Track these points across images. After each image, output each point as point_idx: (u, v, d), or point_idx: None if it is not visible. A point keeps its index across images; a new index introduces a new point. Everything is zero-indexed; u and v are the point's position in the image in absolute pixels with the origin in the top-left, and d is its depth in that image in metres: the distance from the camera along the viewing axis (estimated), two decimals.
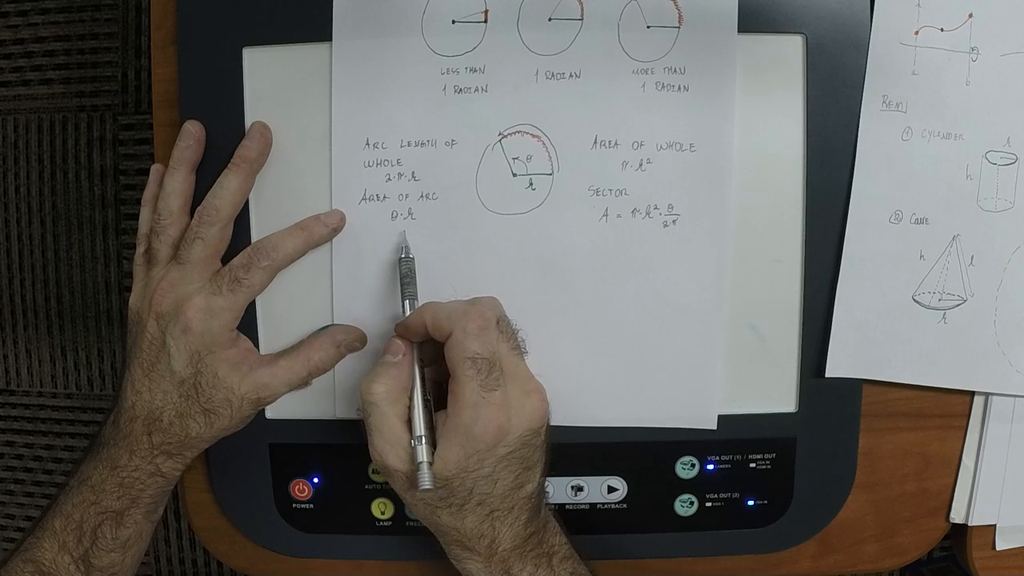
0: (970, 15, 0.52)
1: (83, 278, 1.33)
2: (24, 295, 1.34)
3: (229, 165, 0.52)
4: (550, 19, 0.52)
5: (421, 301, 0.51)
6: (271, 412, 0.56)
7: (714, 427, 0.54)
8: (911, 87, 0.52)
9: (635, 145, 0.52)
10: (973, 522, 0.57)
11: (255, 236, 0.54)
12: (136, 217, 0.55)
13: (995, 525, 0.57)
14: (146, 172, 0.55)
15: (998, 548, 0.58)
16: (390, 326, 0.53)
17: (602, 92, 0.52)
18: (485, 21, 0.52)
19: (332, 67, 0.53)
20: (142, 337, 0.51)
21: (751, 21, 0.52)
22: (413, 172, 0.53)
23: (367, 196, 0.53)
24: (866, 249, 0.53)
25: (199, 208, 0.51)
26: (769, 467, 0.56)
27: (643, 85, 0.52)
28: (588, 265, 0.53)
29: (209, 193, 0.52)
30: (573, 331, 0.54)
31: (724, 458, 0.56)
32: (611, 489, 0.56)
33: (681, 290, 0.53)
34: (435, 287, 0.53)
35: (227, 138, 0.53)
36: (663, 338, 0.54)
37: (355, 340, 0.54)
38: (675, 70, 0.52)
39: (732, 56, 0.52)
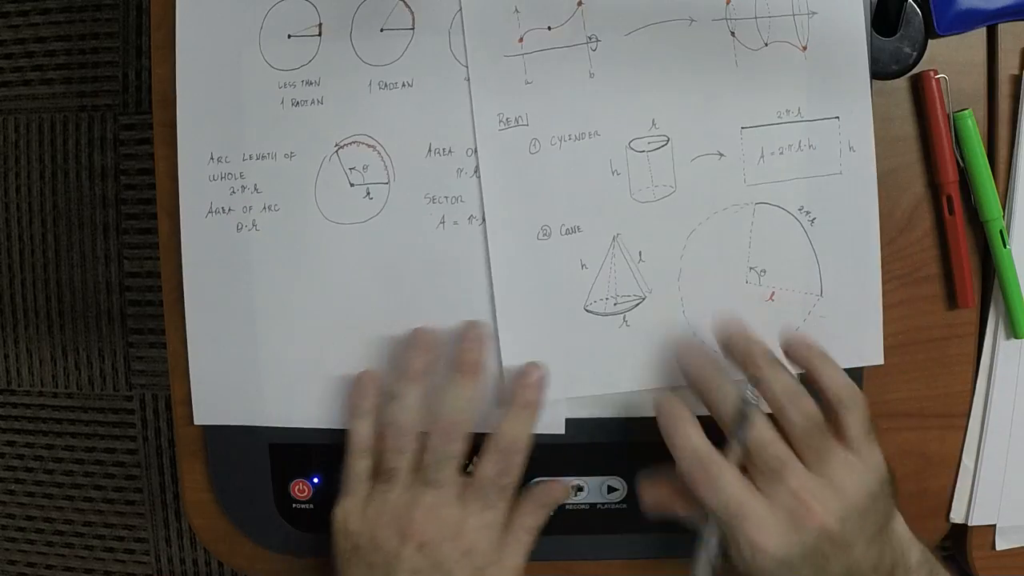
0: (579, 3, 0.50)
1: (84, 278, 1.33)
2: (24, 295, 1.35)
3: (460, 369, 0.51)
4: (382, 29, 0.52)
5: (268, 301, 0.53)
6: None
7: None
8: (528, 97, 0.51)
9: (469, 152, 0.52)
10: (973, 522, 0.57)
11: None
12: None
13: (995, 525, 0.57)
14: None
15: (998, 548, 0.58)
16: (237, 334, 0.54)
17: (435, 100, 0.52)
18: (319, 34, 0.52)
19: (176, 83, 0.53)
20: (395, 568, 0.49)
21: None
22: (255, 184, 0.54)
23: (213, 209, 0.54)
24: (520, 271, 0.52)
25: (443, 423, 0.50)
26: None
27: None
28: (428, 272, 0.53)
29: (448, 405, 0.50)
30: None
31: None
32: (611, 489, 0.56)
33: None
34: (283, 298, 0.54)
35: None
36: None
37: (559, 499, 0.54)
38: None
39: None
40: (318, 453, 0.57)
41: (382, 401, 0.53)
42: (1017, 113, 0.53)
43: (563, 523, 0.56)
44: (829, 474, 0.47)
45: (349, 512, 0.51)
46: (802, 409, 0.47)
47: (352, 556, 0.51)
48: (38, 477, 1.37)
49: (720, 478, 0.47)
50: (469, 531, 0.49)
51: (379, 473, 0.51)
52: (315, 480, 0.57)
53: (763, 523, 0.46)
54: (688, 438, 0.48)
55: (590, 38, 0.51)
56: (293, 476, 0.57)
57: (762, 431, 0.47)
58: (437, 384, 0.52)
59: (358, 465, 0.52)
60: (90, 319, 1.34)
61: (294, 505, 0.58)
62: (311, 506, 0.57)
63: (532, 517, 0.53)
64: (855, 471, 0.47)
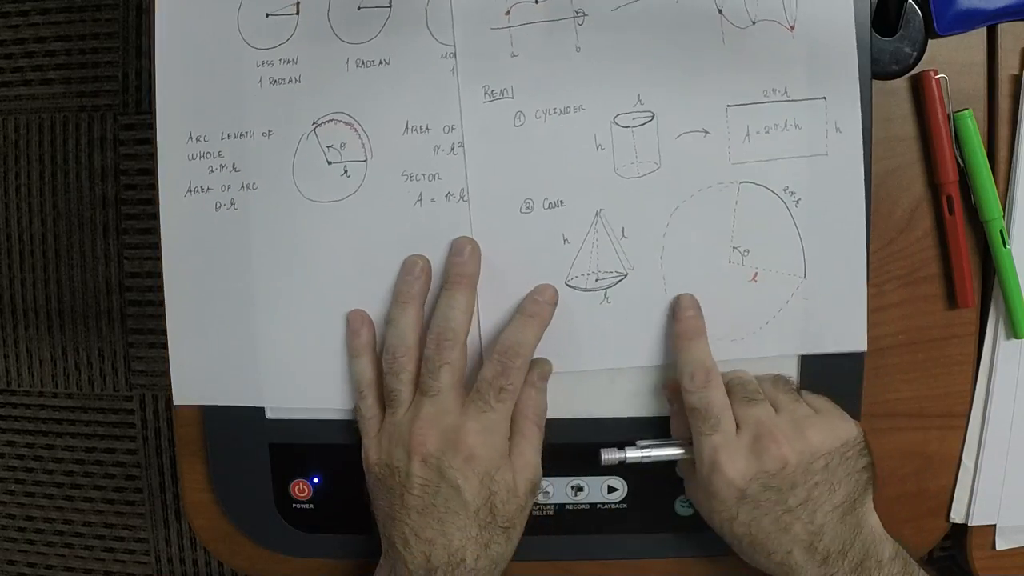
0: None
1: (83, 278, 1.33)
2: (24, 295, 1.35)
3: (450, 284, 0.52)
4: (359, 8, 0.52)
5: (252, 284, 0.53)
6: (271, 412, 0.56)
7: None
8: (514, 70, 0.51)
9: (446, 129, 0.52)
10: (973, 522, 0.57)
11: None
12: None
13: (995, 525, 0.57)
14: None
15: (998, 548, 0.58)
16: (216, 312, 0.55)
17: (411, 78, 0.52)
18: (297, 13, 0.53)
19: (155, 64, 0.53)
20: (408, 484, 0.49)
21: None
22: (234, 163, 0.54)
23: (192, 188, 0.54)
24: (502, 244, 0.52)
25: (434, 334, 0.51)
26: None
27: (452, 69, 0.52)
28: (406, 250, 0.53)
29: (439, 316, 0.51)
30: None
31: None
32: (611, 489, 0.56)
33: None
34: (261, 275, 0.54)
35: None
36: None
37: (546, 373, 0.53)
38: None
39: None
40: (318, 453, 0.57)
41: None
42: (1017, 113, 0.53)
43: (563, 523, 0.56)
44: (795, 420, 0.50)
45: (368, 449, 0.52)
46: (782, 384, 0.53)
47: (375, 488, 0.52)
48: (38, 477, 1.37)
49: (714, 387, 0.50)
50: (467, 436, 0.49)
51: (383, 402, 0.52)
52: (315, 480, 0.57)
53: (730, 442, 0.49)
54: (700, 350, 0.51)
55: (577, 12, 0.51)
56: (293, 476, 0.57)
57: (744, 373, 0.53)
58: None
59: (363, 404, 0.53)
60: (90, 319, 1.34)
61: (294, 505, 0.58)
62: (311, 506, 0.57)
63: (532, 403, 0.52)
64: (817, 425, 0.50)
